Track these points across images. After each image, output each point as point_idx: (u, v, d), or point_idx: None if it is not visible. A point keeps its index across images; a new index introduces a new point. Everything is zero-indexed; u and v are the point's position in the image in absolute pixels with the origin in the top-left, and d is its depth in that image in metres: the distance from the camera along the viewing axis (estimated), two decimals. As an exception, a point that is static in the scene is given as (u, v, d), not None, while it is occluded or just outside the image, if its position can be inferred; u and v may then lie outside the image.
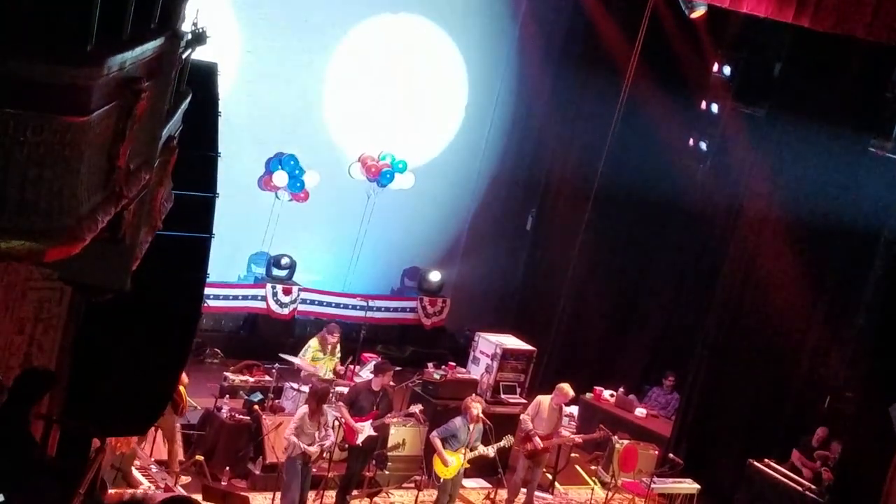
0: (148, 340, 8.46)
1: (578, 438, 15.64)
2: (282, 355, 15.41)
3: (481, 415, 13.66)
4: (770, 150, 16.48)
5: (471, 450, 13.65)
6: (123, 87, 5.29)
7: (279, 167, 17.77)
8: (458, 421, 13.70)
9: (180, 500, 5.45)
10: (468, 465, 13.78)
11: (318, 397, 12.90)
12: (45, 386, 6.99)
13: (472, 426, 13.61)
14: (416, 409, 14.56)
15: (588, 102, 18.72)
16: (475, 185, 20.25)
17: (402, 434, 14.68)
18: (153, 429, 13.02)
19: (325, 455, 13.08)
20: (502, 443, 14.05)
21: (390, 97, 18.82)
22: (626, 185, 17.84)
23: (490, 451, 13.89)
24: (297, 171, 17.86)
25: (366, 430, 13.49)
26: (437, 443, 13.61)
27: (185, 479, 13.10)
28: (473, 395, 14.49)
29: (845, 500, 14.39)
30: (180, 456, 13.36)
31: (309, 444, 12.65)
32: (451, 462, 13.57)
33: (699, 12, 16.71)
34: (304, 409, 12.77)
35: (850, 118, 15.70)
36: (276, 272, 18.13)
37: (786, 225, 16.17)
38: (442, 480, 13.68)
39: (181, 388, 13.13)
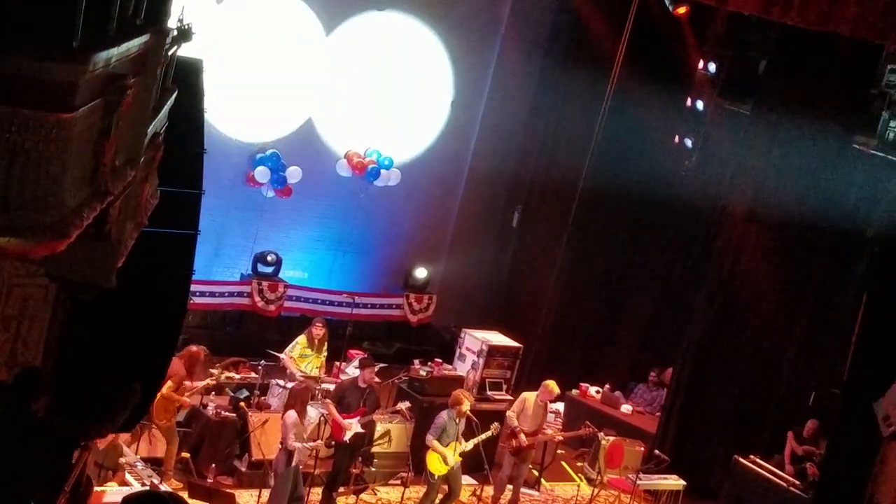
0: (134, 337, 8.45)
1: (559, 437, 15.64)
2: (269, 351, 15.41)
3: (468, 411, 13.69)
4: (755, 147, 16.52)
5: (460, 443, 13.66)
6: (109, 83, 5.30)
7: (261, 163, 17.75)
8: (444, 415, 13.71)
9: (154, 495, 5.44)
10: (460, 459, 13.79)
11: (301, 399, 12.89)
12: (41, 386, 6.96)
13: (458, 419, 13.63)
14: (404, 406, 14.54)
15: (574, 99, 18.76)
16: (461, 182, 20.26)
17: (389, 431, 14.68)
18: (141, 427, 13.05)
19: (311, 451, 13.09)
20: (489, 433, 14.05)
21: (376, 94, 18.82)
22: (612, 182, 17.88)
23: (481, 439, 13.90)
24: (279, 168, 17.84)
25: (353, 427, 13.49)
26: (436, 444, 13.56)
27: (176, 483, 13.08)
28: (463, 389, 14.54)
29: (830, 495, 14.44)
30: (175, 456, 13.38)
31: (305, 441, 12.70)
32: (450, 459, 13.57)
33: (682, 7, 16.74)
34: (293, 415, 12.67)
35: (835, 115, 15.73)
36: (261, 269, 18.12)
37: (771, 221, 16.21)
38: (436, 477, 13.67)
39: (169, 390, 13.16)
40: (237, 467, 13.92)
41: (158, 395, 13.00)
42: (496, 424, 14.20)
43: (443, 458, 13.54)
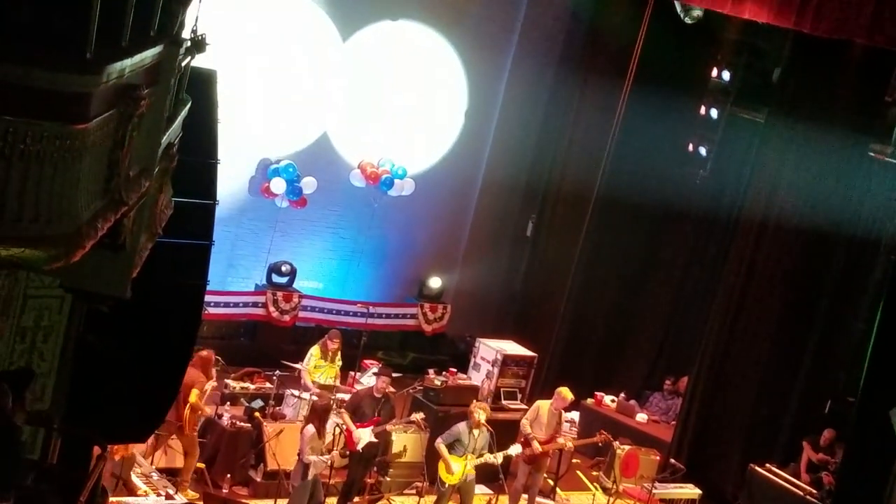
0: (148, 348, 8.46)
1: (571, 443, 15.55)
2: (284, 361, 15.41)
3: (484, 421, 13.67)
4: (769, 155, 16.50)
5: (478, 456, 13.65)
6: (123, 94, 5.30)
7: (277, 175, 17.77)
8: (461, 426, 13.71)
9: None
10: (472, 472, 13.76)
11: (321, 415, 12.93)
12: (21, 382, 6.87)
13: (476, 431, 13.61)
14: (418, 416, 14.53)
15: (587, 107, 18.76)
16: (475, 191, 20.26)
17: (404, 441, 14.67)
18: (158, 438, 13.07)
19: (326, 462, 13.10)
20: (510, 451, 14.03)
21: (390, 103, 18.85)
22: (626, 191, 17.85)
23: (497, 458, 13.87)
24: (294, 179, 17.87)
25: (366, 436, 13.49)
26: (443, 449, 13.61)
27: (192, 494, 13.09)
28: (478, 400, 14.54)
29: (847, 504, 14.38)
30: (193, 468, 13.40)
31: (321, 455, 12.72)
32: (456, 468, 13.56)
33: (695, 15, 16.74)
34: (310, 429, 12.74)
35: (850, 123, 15.69)
36: (276, 279, 18.14)
37: (786, 229, 16.17)
38: (446, 486, 13.67)
39: (197, 399, 13.16)
40: (252, 477, 13.92)
41: (188, 406, 13.05)
42: (518, 446, 14.17)
43: (447, 465, 13.54)
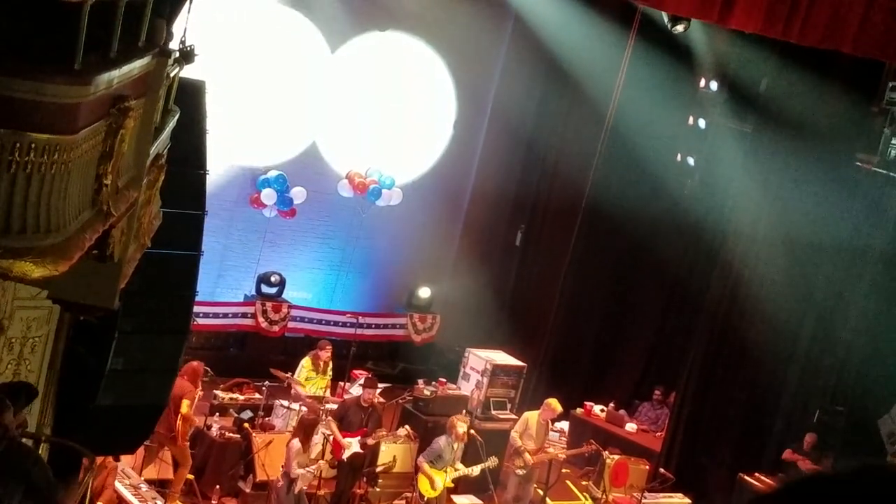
0: (137, 359, 8.44)
1: (563, 454, 15.57)
2: (273, 371, 15.40)
3: (467, 433, 13.66)
4: (757, 165, 16.53)
5: (455, 469, 13.66)
6: (111, 105, 5.30)
7: (267, 185, 17.77)
8: (442, 440, 13.71)
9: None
10: (452, 485, 13.77)
11: (307, 429, 12.93)
12: (23, 398, 6.84)
13: (456, 445, 13.61)
14: (404, 432, 14.59)
15: (576, 118, 18.77)
16: (464, 201, 20.28)
17: (393, 451, 14.66)
18: (149, 450, 13.03)
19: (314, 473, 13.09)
20: (487, 464, 14.01)
21: (378, 114, 18.86)
22: (615, 201, 17.87)
23: (474, 470, 13.87)
24: (285, 189, 17.87)
25: (352, 446, 13.50)
26: (426, 467, 13.60)
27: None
28: (458, 414, 14.53)
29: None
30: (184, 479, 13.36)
31: (307, 467, 12.71)
32: (438, 483, 13.56)
33: (682, 25, 16.79)
34: (296, 443, 12.73)
35: (837, 132, 15.74)
36: (265, 290, 18.12)
37: (773, 239, 16.21)
38: (426, 499, 13.68)
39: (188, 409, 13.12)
40: (241, 488, 13.90)
41: (180, 416, 13.01)
42: (494, 458, 14.17)
43: (430, 481, 13.54)
